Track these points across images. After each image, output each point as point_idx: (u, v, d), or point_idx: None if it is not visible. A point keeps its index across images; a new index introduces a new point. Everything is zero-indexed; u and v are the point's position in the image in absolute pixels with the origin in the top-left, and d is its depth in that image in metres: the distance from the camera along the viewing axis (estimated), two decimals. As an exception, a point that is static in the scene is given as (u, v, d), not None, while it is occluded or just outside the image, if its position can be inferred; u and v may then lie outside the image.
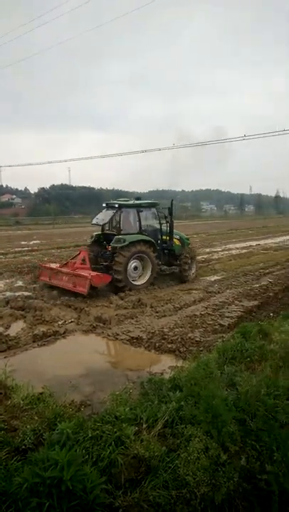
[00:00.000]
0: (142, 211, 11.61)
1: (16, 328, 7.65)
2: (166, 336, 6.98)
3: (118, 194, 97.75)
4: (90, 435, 2.92)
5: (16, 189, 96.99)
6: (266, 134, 16.39)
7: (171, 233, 12.16)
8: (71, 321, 8.08)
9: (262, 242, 25.32)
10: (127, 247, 10.50)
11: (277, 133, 16.78)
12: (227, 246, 22.94)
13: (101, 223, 11.49)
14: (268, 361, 4.67)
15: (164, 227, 12.17)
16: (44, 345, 6.75)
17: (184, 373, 4.24)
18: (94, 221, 11.82)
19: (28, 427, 3.18)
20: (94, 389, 4.90)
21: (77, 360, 6.00)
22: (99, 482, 2.30)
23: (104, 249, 11.41)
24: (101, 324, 7.85)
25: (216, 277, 12.94)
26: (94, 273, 9.93)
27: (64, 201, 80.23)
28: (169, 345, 6.57)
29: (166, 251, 12.25)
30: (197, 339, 6.86)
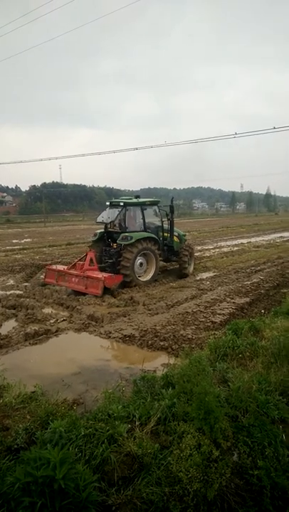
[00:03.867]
0: (145, 209, 11.94)
1: (8, 327, 7.60)
2: (158, 334, 6.99)
3: (110, 192, 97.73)
4: (82, 433, 2.91)
5: (7, 187, 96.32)
6: (257, 131, 16.43)
7: (171, 230, 12.57)
8: (63, 320, 8.05)
9: (253, 240, 25.50)
10: (133, 244, 10.79)
11: (267, 131, 16.83)
12: (218, 244, 23.05)
13: (107, 221, 11.67)
14: (259, 357, 4.70)
15: (165, 225, 12.56)
16: (36, 343, 6.71)
17: (176, 370, 4.25)
18: (99, 219, 12.06)
19: (20, 426, 3.16)
20: (86, 387, 4.90)
21: (69, 359, 5.99)
22: (92, 480, 2.30)
23: (108, 247, 11.63)
24: (93, 322, 7.84)
25: (207, 275, 13.00)
26: (106, 274, 10.18)
27: (55, 199, 79.82)
28: (162, 343, 6.59)
29: (165, 247, 12.56)
30: (189, 336, 6.88)
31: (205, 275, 12.95)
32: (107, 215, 11.87)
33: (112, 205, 11.95)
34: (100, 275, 10.04)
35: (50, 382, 4.93)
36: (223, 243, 23.29)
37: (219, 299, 9.60)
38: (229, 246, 21.84)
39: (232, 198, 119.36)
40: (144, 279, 11.36)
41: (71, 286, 10.42)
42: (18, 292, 10.36)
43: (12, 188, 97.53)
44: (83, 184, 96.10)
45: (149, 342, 6.68)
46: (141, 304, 9.18)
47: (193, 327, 7.45)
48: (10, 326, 7.67)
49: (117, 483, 2.61)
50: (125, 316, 8.27)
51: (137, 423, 3.18)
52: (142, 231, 11.54)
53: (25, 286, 11.25)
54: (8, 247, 20.86)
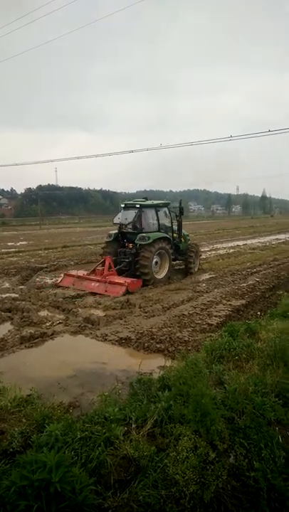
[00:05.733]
0: (159, 210, 12.58)
1: (3, 330, 7.56)
2: (154, 336, 6.98)
3: (106, 194, 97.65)
4: (78, 436, 2.90)
5: (2, 189, 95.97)
6: (252, 134, 16.53)
7: (180, 231, 13.26)
8: (59, 323, 8.02)
9: (249, 242, 25.60)
10: (151, 244, 11.37)
11: (263, 134, 16.94)
12: (215, 246, 23.10)
13: (125, 223, 12.19)
14: (255, 359, 4.72)
15: (174, 226, 13.22)
16: (32, 346, 6.68)
17: (172, 373, 4.25)
18: (116, 221, 12.65)
19: (16, 429, 3.14)
20: (83, 390, 4.88)
21: (65, 362, 5.96)
22: (88, 483, 2.29)
23: (123, 247, 12.21)
24: (89, 325, 7.82)
25: (204, 277, 13.02)
26: (129, 279, 10.77)
27: (51, 202, 79.63)
28: (158, 345, 6.58)
29: (173, 247, 12.99)
30: (186, 339, 6.88)
31: (201, 277, 12.97)
32: (124, 217, 12.37)
33: (127, 207, 12.49)
34: (123, 280, 10.64)
35: (46, 385, 4.90)
36: (219, 245, 23.35)
37: (215, 301, 9.61)
38: (225, 248, 21.90)
39: (228, 201, 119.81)
40: (159, 277, 11.82)
41: (90, 288, 10.79)
42: (13, 295, 10.31)
43: (7, 191, 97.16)
44: (79, 187, 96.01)
45: (146, 344, 6.67)
46: (137, 307, 9.16)
47: (189, 329, 7.46)
48: (5, 329, 7.62)
49: (113, 486, 2.60)
50: (121, 319, 8.26)
51: (133, 426, 3.17)
52: (157, 231, 12.10)
53: (21, 289, 11.20)
54: (3, 250, 20.77)
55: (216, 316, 8.32)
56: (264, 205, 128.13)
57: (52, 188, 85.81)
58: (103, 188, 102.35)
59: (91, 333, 7.40)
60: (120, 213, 12.63)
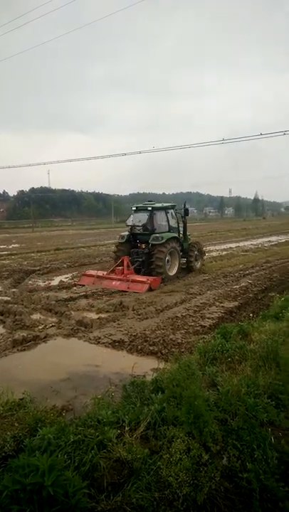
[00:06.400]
0: (168, 212, 13.45)
1: (-5, 333, 7.51)
2: (148, 339, 6.98)
3: (99, 197, 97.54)
4: (71, 440, 2.89)
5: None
6: (244, 138, 16.67)
7: (185, 231, 14.17)
8: (52, 326, 7.98)
9: (241, 244, 25.74)
10: (164, 243, 12.21)
11: (254, 137, 17.12)
12: (207, 248, 23.15)
13: (139, 224, 12.92)
14: (248, 361, 4.74)
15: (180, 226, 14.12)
16: (24, 350, 6.64)
17: (165, 375, 4.26)
18: (129, 222, 13.39)
19: (8, 433, 3.12)
20: (76, 393, 4.86)
21: (58, 365, 5.94)
22: (81, 487, 2.28)
23: (135, 248, 13.01)
24: (82, 328, 7.79)
25: (197, 279, 13.06)
26: (151, 278, 11.49)
27: (44, 204, 79.29)
28: (151, 348, 6.58)
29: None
30: (179, 341, 6.90)
31: (194, 279, 13.01)
32: (137, 219, 13.11)
33: (138, 210, 13.30)
34: (145, 279, 11.41)
35: (38, 388, 4.88)
36: (212, 247, 23.43)
37: (208, 303, 9.65)
38: (218, 250, 22.00)
39: (220, 203, 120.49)
40: (171, 274, 12.72)
41: (111, 286, 11.43)
42: (5, 298, 10.25)
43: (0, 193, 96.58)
44: (72, 189, 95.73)
45: (139, 347, 6.67)
46: (130, 309, 9.16)
47: (182, 331, 7.47)
48: (-2, 332, 7.57)
49: (106, 490, 2.59)
50: (115, 322, 8.25)
51: (126, 428, 3.17)
52: (167, 232, 12.93)
53: (13, 292, 11.14)
54: (-5, 253, 20.64)
55: (208, 318, 8.35)
56: (256, 207, 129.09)
57: (45, 191, 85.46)
58: (96, 191, 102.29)
59: (84, 336, 7.38)
60: (132, 216, 13.33)
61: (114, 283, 11.51)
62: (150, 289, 11.01)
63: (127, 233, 13.27)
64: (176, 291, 11.18)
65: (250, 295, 10.61)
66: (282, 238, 31.21)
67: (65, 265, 16.64)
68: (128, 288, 11.06)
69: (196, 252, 14.21)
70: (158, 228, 12.74)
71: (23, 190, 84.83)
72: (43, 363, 6.12)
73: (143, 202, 14.13)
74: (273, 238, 31.15)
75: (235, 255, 19.63)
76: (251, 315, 8.49)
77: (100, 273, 12.26)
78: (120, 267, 11.99)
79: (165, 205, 13.85)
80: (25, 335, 7.16)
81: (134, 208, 13.56)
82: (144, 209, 13.08)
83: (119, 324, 8.06)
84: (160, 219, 13.06)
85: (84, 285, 11.77)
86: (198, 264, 14.45)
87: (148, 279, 11.28)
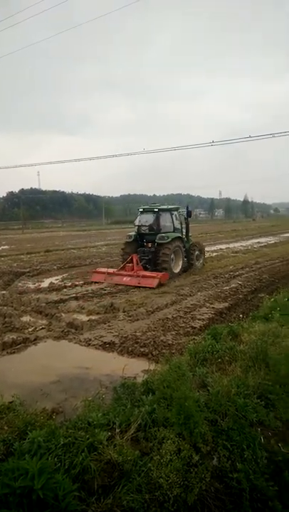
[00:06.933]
0: (173, 214, 14.23)
1: (-16, 336, 7.42)
2: (138, 340, 6.98)
3: (89, 198, 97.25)
4: (62, 442, 2.87)
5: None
6: (233, 140, 16.81)
7: (187, 231, 14.96)
8: (42, 328, 7.93)
9: (231, 246, 25.92)
10: (169, 242, 13.05)
11: (243, 139, 17.27)
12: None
13: (146, 224, 13.68)
14: (238, 362, 4.77)
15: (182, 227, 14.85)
16: (14, 352, 6.59)
17: (156, 376, 4.26)
18: (137, 223, 14.10)
19: (-3, 437, 3.09)
20: (66, 396, 4.84)
21: (48, 367, 5.90)
22: (71, 489, 2.27)
23: (142, 247, 13.79)
24: (73, 330, 7.76)
25: (187, 280, 13.10)
26: (160, 273, 12.17)
27: (34, 206, 78.78)
28: (142, 349, 6.58)
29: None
30: (169, 342, 6.91)
31: (185, 280, 13.05)
32: (144, 220, 13.85)
33: (145, 211, 14.07)
34: (155, 274, 12.13)
35: (28, 391, 4.84)
36: (202, 249, 23.50)
37: (199, 304, 9.69)
38: (208, 252, 22.01)
39: (211, 205, 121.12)
40: (176, 271, 13.50)
41: (121, 282, 12.14)
42: (-5, 300, 10.15)
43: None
44: (62, 190, 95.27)
45: (130, 349, 6.67)
46: (121, 311, 9.15)
47: (173, 333, 7.49)
48: (-13, 335, 7.49)
49: (97, 492, 2.58)
50: (105, 323, 8.23)
51: (117, 430, 3.16)
52: (172, 232, 13.72)
53: (3, 294, 11.03)
54: (-16, 255, 20.42)
55: (199, 319, 8.39)
56: (246, 209, 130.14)
57: (35, 192, 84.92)
58: (86, 192, 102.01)
59: (74, 338, 7.34)
60: (139, 217, 14.10)
61: (124, 279, 12.18)
62: (160, 284, 11.68)
63: (134, 233, 14.01)
64: (167, 292, 11.19)
65: (240, 296, 10.68)
66: (272, 239, 31.52)
67: (55, 267, 16.55)
68: (139, 283, 11.76)
69: (197, 252, 14.92)
70: (163, 228, 13.50)
71: (12, 192, 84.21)
72: (33, 365, 6.08)
73: (141, 203, 14.51)
74: (263, 239, 31.42)
75: (226, 256, 19.75)
76: (241, 316, 8.56)
77: (111, 270, 12.94)
78: (130, 264, 12.65)
79: (170, 207, 14.73)
80: (14, 337, 7.10)
81: (141, 210, 14.31)
82: (150, 210, 13.89)
83: (109, 326, 8.04)
84: (165, 220, 13.79)
85: (97, 282, 12.49)
86: (199, 264, 15.09)
87: (158, 275, 11.99)
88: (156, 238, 13.15)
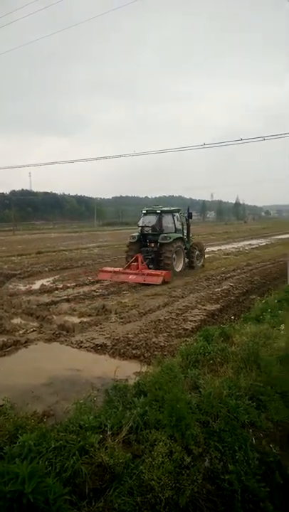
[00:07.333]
0: (174, 215, 14.90)
1: (-25, 338, 7.34)
2: (130, 342, 6.97)
3: (81, 200, 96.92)
4: (53, 446, 2.84)
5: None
6: (224, 142, 16.93)
7: (188, 232, 15.69)
8: (33, 330, 7.87)
9: (223, 248, 26.08)
10: (171, 242, 13.74)
11: (235, 142, 17.36)
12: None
13: (150, 225, 14.35)
14: (229, 363, 4.78)
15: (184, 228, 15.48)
16: (4, 355, 6.53)
17: (148, 378, 4.24)
18: (140, 224, 14.76)
19: (-13, 441, 3.05)
20: (57, 398, 4.80)
21: (39, 370, 5.85)
22: (62, 493, 2.24)
23: (145, 247, 14.38)
24: (64, 332, 7.71)
25: (179, 282, 13.13)
26: (164, 271, 12.85)
27: (25, 207, 78.27)
28: (134, 351, 6.57)
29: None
30: (161, 344, 6.91)
31: (177, 282, 13.07)
32: (147, 221, 14.50)
33: (148, 213, 14.74)
34: (160, 272, 12.82)
35: (19, 394, 4.79)
36: (194, 251, 23.57)
37: (191, 306, 9.71)
38: (200, 254, 22.12)
39: (202, 207, 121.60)
40: (178, 270, 14.19)
41: (127, 280, 12.78)
42: (-15, 303, 10.04)
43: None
44: (54, 192, 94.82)
45: (122, 351, 6.65)
46: (113, 313, 9.13)
47: (165, 334, 7.49)
48: (-23, 337, 7.40)
49: (88, 496, 2.56)
50: (97, 325, 8.20)
51: (108, 433, 3.14)
52: (174, 233, 14.34)
53: (-6, 296, 10.93)
54: (-25, 257, 20.21)
55: (191, 321, 8.40)
56: (237, 211, 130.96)
57: (26, 193, 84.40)
58: (78, 194, 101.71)
59: (66, 340, 7.30)
60: (143, 218, 14.73)
61: (130, 277, 12.83)
62: (164, 281, 12.36)
63: (137, 234, 14.67)
64: (160, 294, 11.21)
65: (232, 298, 10.74)
66: (263, 242, 31.76)
67: (46, 269, 16.46)
68: (144, 280, 12.45)
69: (197, 252, 15.67)
70: (165, 229, 14.17)
71: (3, 193, 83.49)
72: (23, 368, 6.02)
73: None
74: (254, 241, 31.65)
75: (217, 258, 19.84)
76: (233, 317, 8.58)
77: (117, 269, 13.60)
78: (135, 263, 13.35)
79: (171, 208, 15.49)
80: (5, 340, 7.04)
81: (144, 211, 14.97)
82: (153, 212, 14.60)
83: (101, 328, 8.01)
84: (167, 221, 14.46)
85: (104, 279, 13.15)
86: (199, 263, 15.91)
87: (162, 272, 12.70)
88: (159, 238, 13.80)
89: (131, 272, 13.12)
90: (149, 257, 13.91)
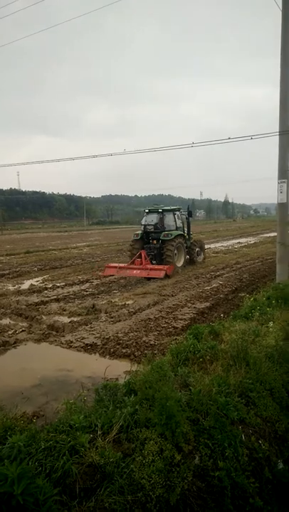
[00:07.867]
0: (175, 213, 15.68)
1: None
2: (120, 341, 6.97)
3: (71, 199, 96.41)
4: (43, 447, 2.83)
5: None
6: (213, 141, 16.94)
7: (188, 230, 16.59)
8: (22, 331, 7.81)
9: (212, 246, 26.17)
10: (173, 239, 14.42)
11: (223, 141, 17.40)
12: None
13: (152, 223, 15.04)
14: (219, 361, 4.81)
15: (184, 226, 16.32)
16: (-7, 356, 6.46)
17: (138, 377, 4.24)
18: (144, 222, 15.44)
19: (-25, 443, 3.01)
20: (47, 399, 4.77)
21: (28, 371, 5.82)
22: (52, 494, 2.24)
23: (147, 244, 15.07)
24: (54, 332, 7.67)
25: (169, 281, 13.15)
26: (166, 266, 13.49)
27: (13, 207, 77.54)
28: (124, 350, 6.57)
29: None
30: (151, 342, 6.92)
31: (167, 281, 13.10)
32: (150, 219, 15.22)
33: (150, 212, 15.41)
34: (162, 266, 13.46)
35: (8, 395, 4.76)
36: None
37: (180, 304, 9.74)
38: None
39: (192, 206, 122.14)
40: (179, 265, 14.91)
41: (132, 274, 13.52)
42: (-27, 303, 9.93)
43: None
44: (42, 191, 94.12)
45: (112, 350, 6.64)
46: (103, 312, 9.11)
47: (155, 333, 7.50)
48: None
49: (79, 495, 2.55)
50: (87, 325, 8.17)
51: (99, 432, 3.14)
52: (175, 230, 15.05)
53: (-18, 296, 10.81)
54: None
55: (181, 319, 8.43)
56: (227, 210, 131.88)
57: (14, 193, 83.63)
58: (67, 193, 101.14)
59: (56, 340, 7.26)
60: (145, 217, 15.46)
61: (135, 272, 13.48)
62: (166, 275, 13.07)
63: (140, 232, 15.36)
64: (150, 292, 11.22)
65: (221, 296, 10.80)
66: (252, 240, 32.01)
67: (35, 268, 16.35)
68: (148, 274, 13.15)
69: (197, 249, 16.72)
70: (167, 227, 14.91)
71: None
72: (13, 369, 5.98)
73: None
74: (243, 240, 31.88)
75: (206, 257, 19.91)
76: (222, 315, 8.64)
77: (122, 264, 14.29)
78: (139, 259, 14.01)
79: (173, 207, 16.18)
80: (-6, 341, 6.97)
81: (146, 210, 15.70)
82: (155, 211, 15.29)
83: (91, 327, 7.99)
84: (169, 219, 15.21)
85: (110, 275, 13.88)
86: (199, 259, 16.93)
87: (164, 267, 13.35)
88: (161, 236, 14.50)
89: (135, 267, 13.75)
90: (152, 253, 14.60)
